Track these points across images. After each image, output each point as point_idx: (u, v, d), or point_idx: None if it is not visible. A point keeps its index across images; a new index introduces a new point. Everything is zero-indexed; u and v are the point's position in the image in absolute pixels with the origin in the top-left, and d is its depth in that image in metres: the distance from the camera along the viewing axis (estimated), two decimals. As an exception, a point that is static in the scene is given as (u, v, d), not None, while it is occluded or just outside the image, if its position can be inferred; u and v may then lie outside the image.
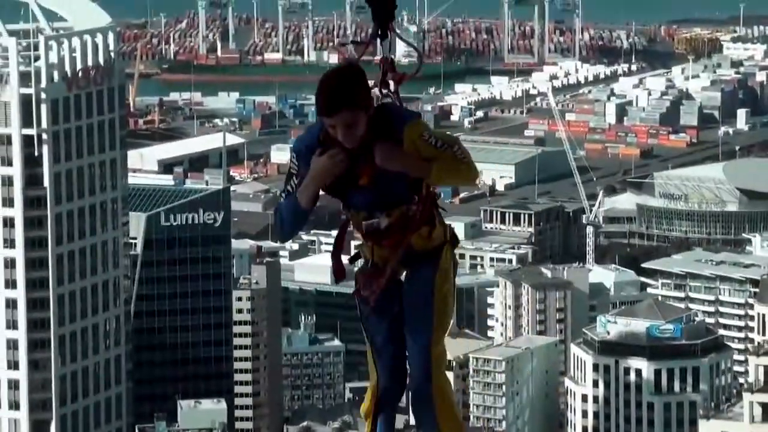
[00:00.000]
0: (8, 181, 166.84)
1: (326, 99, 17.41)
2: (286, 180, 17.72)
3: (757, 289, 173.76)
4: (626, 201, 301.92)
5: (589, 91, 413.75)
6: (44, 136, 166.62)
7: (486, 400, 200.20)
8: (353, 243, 14.31)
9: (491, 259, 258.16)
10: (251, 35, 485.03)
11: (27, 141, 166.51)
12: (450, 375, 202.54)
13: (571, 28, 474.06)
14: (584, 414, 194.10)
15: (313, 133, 17.50)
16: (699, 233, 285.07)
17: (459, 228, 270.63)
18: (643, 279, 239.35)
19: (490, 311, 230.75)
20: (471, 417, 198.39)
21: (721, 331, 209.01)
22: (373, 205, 15.62)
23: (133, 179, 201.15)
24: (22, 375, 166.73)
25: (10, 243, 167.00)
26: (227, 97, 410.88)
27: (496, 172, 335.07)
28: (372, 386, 18.06)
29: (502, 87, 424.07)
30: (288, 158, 17.46)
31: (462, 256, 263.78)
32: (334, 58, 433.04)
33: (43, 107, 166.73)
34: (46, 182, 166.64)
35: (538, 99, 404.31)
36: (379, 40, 18.34)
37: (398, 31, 18.53)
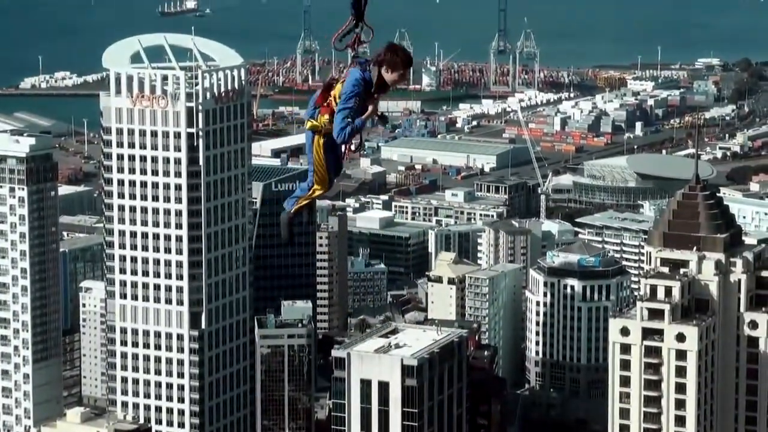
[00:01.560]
0: (178, 161, 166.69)
1: (410, 58, 21.02)
2: (352, 98, 21.10)
3: (645, 236, 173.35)
4: (566, 179, 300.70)
5: (544, 110, 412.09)
6: (200, 133, 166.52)
7: (476, 303, 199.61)
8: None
9: (480, 215, 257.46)
10: (331, 71, 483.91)
11: (189, 136, 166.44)
12: (453, 288, 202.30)
13: (533, 70, 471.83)
14: (537, 314, 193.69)
15: (367, 75, 21.11)
16: (611, 201, 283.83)
17: (460, 195, 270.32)
18: (576, 229, 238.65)
19: (479, 248, 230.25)
20: (466, 315, 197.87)
21: (624, 263, 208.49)
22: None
23: (254, 161, 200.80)
24: (184, 283, 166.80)
25: (178, 200, 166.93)
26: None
27: (484, 160, 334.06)
28: (322, 187, 22.79)
29: (488, 106, 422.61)
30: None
31: (462, 212, 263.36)
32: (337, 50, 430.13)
33: (200, 115, 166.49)
34: (201, 162, 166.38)
35: (511, 114, 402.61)
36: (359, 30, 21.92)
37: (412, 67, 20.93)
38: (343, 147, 22.46)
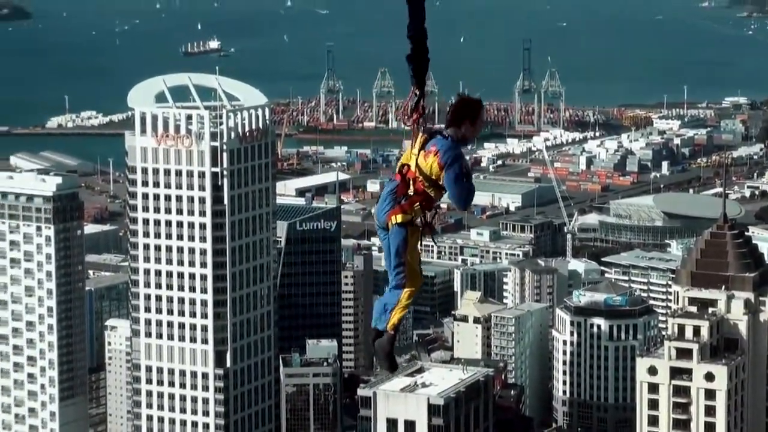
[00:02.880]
0: (202, 200, 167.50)
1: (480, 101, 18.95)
2: (466, 169, 18.94)
3: (673, 275, 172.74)
4: (592, 218, 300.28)
5: (569, 149, 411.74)
6: (225, 172, 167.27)
7: (502, 342, 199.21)
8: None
9: (506, 254, 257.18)
10: (355, 110, 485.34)
11: (214, 175, 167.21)
12: (479, 327, 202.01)
13: (558, 109, 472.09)
14: (564, 353, 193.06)
15: (454, 141, 18.73)
16: (638, 240, 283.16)
17: (485, 234, 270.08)
18: (602, 268, 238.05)
19: (505, 287, 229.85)
20: (492, 354, 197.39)
21: (651, 302, 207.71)
22: None
23: (279, 200, 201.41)
24: (209, 322, 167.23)
25: (202, 238, 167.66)
26: (339, 149, 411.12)
27: (509, 199, 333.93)
28: (416, 287, 19.40)
29: (514, 145, 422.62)
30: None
31: (487, 251, 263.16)
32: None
33: (225, 154, 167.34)
34: (226, 201, 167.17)
35: (536, 153, 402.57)
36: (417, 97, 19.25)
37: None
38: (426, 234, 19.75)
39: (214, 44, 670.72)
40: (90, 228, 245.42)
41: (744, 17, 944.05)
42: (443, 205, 20.97)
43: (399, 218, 19.08)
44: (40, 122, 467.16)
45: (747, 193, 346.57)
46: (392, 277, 19.55)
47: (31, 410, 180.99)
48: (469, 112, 19.28)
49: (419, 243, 19.50)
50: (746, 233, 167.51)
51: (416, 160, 19.07)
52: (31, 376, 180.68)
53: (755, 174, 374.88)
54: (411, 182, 19.13)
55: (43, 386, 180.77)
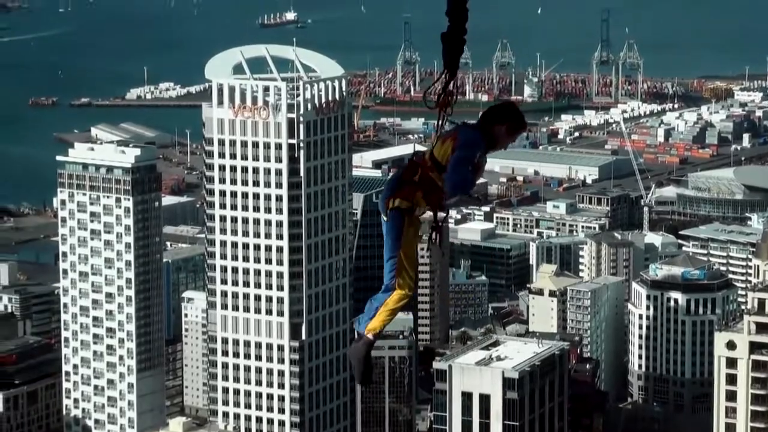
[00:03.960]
0: (279, 172, 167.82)
1: (526, 123, 17.01)
2: (472, 157, 16.49)
3: (753, 249, 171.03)
4: (670, 191, 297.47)
5: (647, 121, 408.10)
6: (301, 144, 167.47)
7: (577, 317, 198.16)
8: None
9: (582, 227, 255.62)
10: (439, 82, 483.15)
11: (290, 147, 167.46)
12: (554, 300, 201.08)
13: (636, 80, 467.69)
14: (640, 327, 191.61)
15: (479, 135, 16.79)
16: (717, 213, 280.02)
17: (562, 207, 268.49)
18: (680, 241, 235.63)
19: (581, 260, 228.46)
20: (567, 327, 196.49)
21: (731, 276, 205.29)
22: None
23: (355, 172, 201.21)
24: (285, 294, 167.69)
25: (279, 210, 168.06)
26: (416, 121, 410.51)
27: (586, 171, 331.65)
28: (407, 289, 16.87)
29: (591, 117, 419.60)
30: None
31: (563, 224, 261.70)
32: (485, 98, 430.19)
33: (301, 126, 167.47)
34: (302, 173, 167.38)
35: (614, 125, 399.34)
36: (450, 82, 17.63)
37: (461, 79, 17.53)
38: (435, 237, 17.48)
39: (290, 15, 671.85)
40: (167, 200, 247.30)
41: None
42: (519, 178, 19.26)
43: (397, 202, 17.01)
44: (120, 94, 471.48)
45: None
46: (385, 275, 17.41)
47: (110, 382, 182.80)
48: (515, 122, 17.19)
49: (417, 239, 17.32)
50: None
51: (432, 147, 17.12)
52: (110, 347, 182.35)
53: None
54: (420, 169, 17.03)
55: (121, 358, 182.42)
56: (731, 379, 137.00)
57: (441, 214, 17.33)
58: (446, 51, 17.64)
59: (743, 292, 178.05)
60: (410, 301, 17.36)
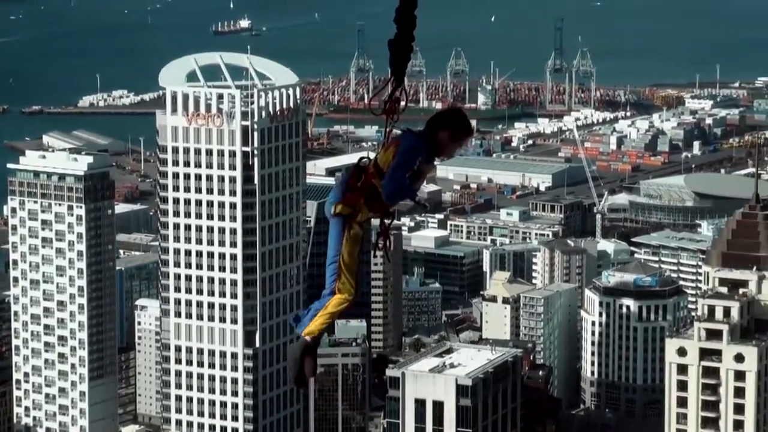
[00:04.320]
0: (233, 179, 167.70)
1: (472, 128, 17.18)
2: (413, 155, 16.63)
3: (703, 256, 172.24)
4: (622, 199, 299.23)
5: (600, 129, 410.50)
6: (255, 151, 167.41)
7: (530, 323, 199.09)
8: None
9: (535, 234, 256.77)
10: (386, 90, 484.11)
11: (244, 154, 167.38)
12: (507, 307, 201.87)
13: (588, 88, 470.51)
14: (593, 334, 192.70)
15: (421, 142, 17.09)
16: (668, 220, 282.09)
17: (515, 214, 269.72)
18: (632, 248, 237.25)
19: (534, 267, 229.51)
20: (520, 334, 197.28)
21: (681, 282, 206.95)
22: None
23: (309, 180, 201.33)
24: (239, 301, 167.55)
25: (232, 218, 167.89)
26: (370, 128, 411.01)
27: (539, 179, 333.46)
28: (348, 294, 17.03)
29: (544, 125, 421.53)
30: None
31: (517, 231, 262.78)
32: (439, 105, 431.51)
33: (255, 134, 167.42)
34: (256, 180, 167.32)
35: (567, 133, 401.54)
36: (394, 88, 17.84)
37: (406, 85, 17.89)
38: (381, 246, 17.80)
39: (244, 23, 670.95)
40: (121, 207, 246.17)
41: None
42: (473, 185, 19.69)
43: (338, 209, 17.07)
44: (72, 101, 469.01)
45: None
46: (326, 279, 17.49)
47: (62, 390, 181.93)
48: (458, 128, 17.40)
49: (359, 244, 17.36)
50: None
51: (377, 154, 17.29)
52: (61, 355, 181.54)
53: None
54: (364, 176, 17.21)
55: (73, 366, 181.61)
56: (682, 386, 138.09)
57: (387, 220, 17.56)
58: (393, 58, 17.87)
59: (693, 299, 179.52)
60: (351, 307, 17.31)
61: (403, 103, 17.93)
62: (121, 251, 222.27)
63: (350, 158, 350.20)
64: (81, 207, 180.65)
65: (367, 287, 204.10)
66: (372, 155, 17.47)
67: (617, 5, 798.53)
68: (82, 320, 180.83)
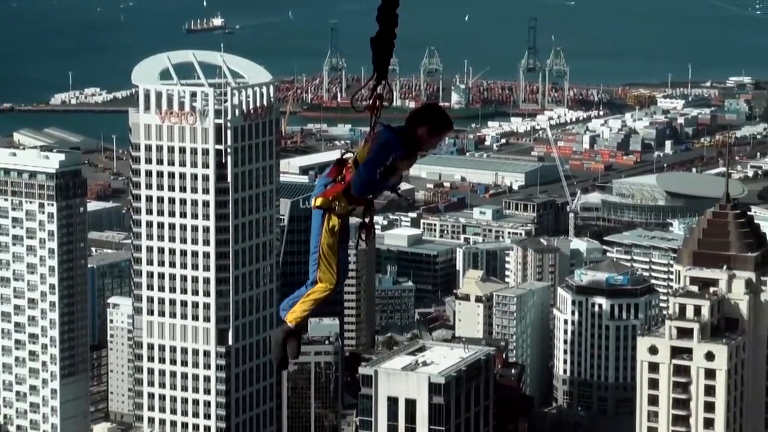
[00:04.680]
0: (206, 177, 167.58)
1: (452, 122, 17.89)
2: (385, 151, 17.25)
3: (675, 255, 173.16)
4: (595, 198, 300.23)
5: (573, 128, 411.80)
6: (228, 149, 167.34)
7: (503, 321, 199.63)
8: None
9: (508, 233, 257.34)
10: (369, 86, 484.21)
11: (218, 153, 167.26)
12: (480, 306, 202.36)
13: (562, 88, 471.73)
14: (565, 332, 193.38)
15: (397, 138, 17.64)
16: (640, 219, 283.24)
17: (488, 213, 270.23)
18: (604, 247, 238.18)
19: (507, 266, 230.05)
20: (493, 333, 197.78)
21: (653, 281, 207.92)
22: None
23: (282, 178, 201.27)
24: (212, 299, 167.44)
25: (206, 216, 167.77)
26: (343, 127, 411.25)
27: (513, 178, 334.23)
28: (328, 283, 18.30)
29: (517, 124, 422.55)
30: None
31: (490, 230, 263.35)
32: (412, 104, 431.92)
33: (229, 132, 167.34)
34: (229, 178, 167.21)
35: (540, 132, 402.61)
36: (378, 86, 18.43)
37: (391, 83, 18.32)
38: (362, 234, 18.47)
39: (217, 21, 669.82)
40: (93, 205, 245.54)
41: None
42: (446, 184, 20.35)
43: (318, 202, 17.92)
44: (43, 99, 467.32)
45: (750, 172, 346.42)
46: (309, 269, 18.55)
47: (33, 388, 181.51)
48: (436, 123, 17.86)
49: (337, 236, 18.15)
50: (748, 213, 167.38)
51: (358, 150, 17.94)
52: (32, 353, 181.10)
53: (758, 154, 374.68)
54: (344, 170, 17.90)
55: (44, 364, 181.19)
56: (653, 384, 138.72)
57: (368, 214, 18.15)
58: (375, 55, 18.34)
59: (665, 298, 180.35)
60: (333, 295, 18.61)
61: (387, 102, 18.59)
62: (94, 249, 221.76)
63: (324, 157, 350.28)
64: (52, 205, 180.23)
65: (339, 286, 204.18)
66: (346, 154, 18.05)
67: (590, 5, 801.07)
68: (53, 318, 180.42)
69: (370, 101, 18.53)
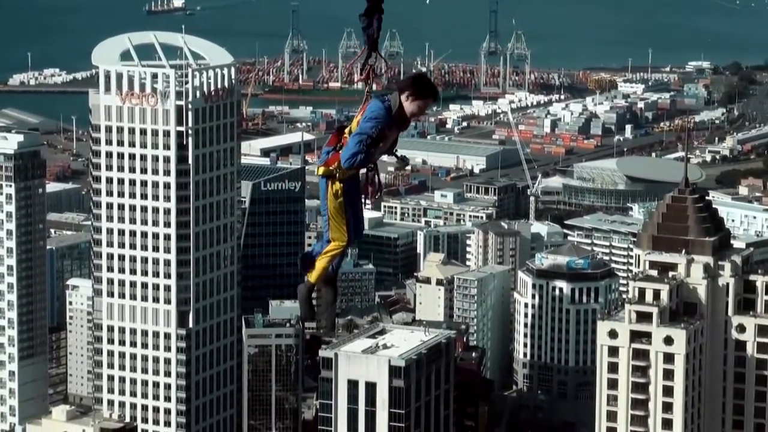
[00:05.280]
0: (167, 159, 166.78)
1: (436, 90, 19.13)
2: (371, 124, 19.05)
3: (634, 239, 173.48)
4: (555, 181, 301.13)
5: (534, 112, 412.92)
6: (190, 131, 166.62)
7: (464, 305, 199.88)
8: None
9: (469, 216, 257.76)
10: (321, 70, 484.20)
11: (179, 134, 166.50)
12: (441, 289, 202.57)
13: (523, 71, 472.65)
14: (525, 316, 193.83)
15: (386, 105, 19.13)
16: (600, 203, 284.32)
17: (449, 196, 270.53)
18: (565, 231, 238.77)
19: (468, 249, 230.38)
20: (454, 316, 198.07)
21: (613, 265, 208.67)
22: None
23: (243, 160, 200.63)
24: (172, 282, 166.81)
25: (166, 198, 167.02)
26: (305, 109, 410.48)
27: (474, 161, 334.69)
28: (340, 240, 19.71)
29: (479, 107, 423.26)
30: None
31: (451, 213, 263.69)
32: (373, 87, 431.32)
33: (190, 113, 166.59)
34: (190, 160, 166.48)
35: (501, 115, 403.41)
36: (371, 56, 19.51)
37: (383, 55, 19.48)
38: (365, 193, 20.16)
39: (178, 2, 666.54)
40: (52, 186, 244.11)
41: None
42: (407, 167, 21.62)
43: (320, 171, 19.81)
44: (1, 80, 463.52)
45: (708, 157, 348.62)
46: (323, 230, 20.39)
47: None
48: (418, 90, 19.27)
49: (340, 196, 19.80)
50: (707, 198, 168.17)
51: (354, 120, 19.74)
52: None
53: (716, 139, 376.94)
54: (342, 139, 19.66)
55: (2, 345, 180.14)
56: (613, 368, 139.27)
57: (371, 172, 19.76)
58: (366, 29, 19.99)
59: (625, 282, 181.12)
60: (347, 249, 20.65)
61: (384, 69, 19.86)
62: (53, 230, 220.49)
63: (285, 139, 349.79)
64: (11, 186, 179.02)
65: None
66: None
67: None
68: (11, 299, 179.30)
69: (364, 73, 20.11)
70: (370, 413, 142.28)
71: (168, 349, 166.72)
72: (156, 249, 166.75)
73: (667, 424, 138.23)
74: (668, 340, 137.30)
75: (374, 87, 20.03)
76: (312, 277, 20.70)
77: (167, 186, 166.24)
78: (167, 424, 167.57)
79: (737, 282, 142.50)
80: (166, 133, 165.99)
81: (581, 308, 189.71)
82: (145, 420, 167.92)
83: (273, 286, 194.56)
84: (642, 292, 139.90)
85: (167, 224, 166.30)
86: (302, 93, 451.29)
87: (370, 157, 19.29)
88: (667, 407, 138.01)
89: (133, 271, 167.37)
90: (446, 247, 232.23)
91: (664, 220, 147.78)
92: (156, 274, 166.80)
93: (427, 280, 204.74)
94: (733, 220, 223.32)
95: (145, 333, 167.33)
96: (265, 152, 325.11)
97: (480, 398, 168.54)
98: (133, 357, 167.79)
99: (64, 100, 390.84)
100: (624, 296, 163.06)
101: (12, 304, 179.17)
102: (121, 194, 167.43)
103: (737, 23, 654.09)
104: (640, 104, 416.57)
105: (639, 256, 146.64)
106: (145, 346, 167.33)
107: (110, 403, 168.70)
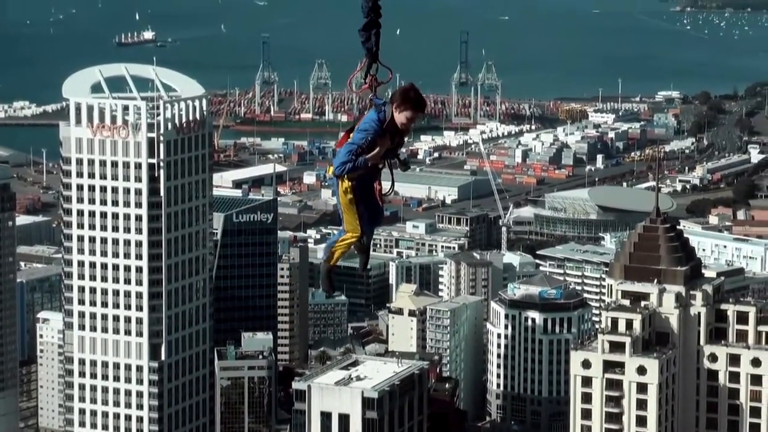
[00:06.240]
0: (138, 191, 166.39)
1: (421, 101, 20.29)
2: (362, 135, 20.87)
3: (607, 269, 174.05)
4: (527, 211, 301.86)
5: (505, 142, 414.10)
6: (161, 163, 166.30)
7: (436, 335, 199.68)
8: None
9: (441, 247, 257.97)
10: (292, 102, 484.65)
11: (150, 166, 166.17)
12: (414, 320, 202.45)
13: (494, 102, 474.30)
14: (498, 346, 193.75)
15: (382, 115, 20.14)
16: (572, 232, 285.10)
17: (421, 227, 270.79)
18: (537, 261, 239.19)
19: (440, 280, 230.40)
20: (426, 347, 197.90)
21: (585, 295, 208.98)
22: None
23: (216, 192, 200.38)
24: (144, 314, 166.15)
25: (138, 230, 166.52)
26: (276, 141, 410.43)
27: (445, 192, 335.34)
28: (353, 232, 21.94)
29: (450, 138, 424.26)
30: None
31: (423, 244, 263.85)
32: (344, 118, 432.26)
33: (161, 145, 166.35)
34: (162, 192, 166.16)
35: (472, 146, 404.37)
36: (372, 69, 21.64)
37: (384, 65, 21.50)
38: (377, 192, 22.39)
39: (148, 35, 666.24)
40: (22, 219, 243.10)
41: (677, 11, 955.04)
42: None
43: (330, 171, 21.85)
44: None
45: (678, 186, 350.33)
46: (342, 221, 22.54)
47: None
48: (402, 101, 20.99)
49: (349, 193, 21.85)
50: (678, 227, 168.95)
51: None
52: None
53: (686, 168, 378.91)
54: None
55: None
56: (586, 398, 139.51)
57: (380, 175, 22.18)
58: (366, 41, 20.95)
59: (597, 311, 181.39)
60: (359, 241, 22.81)
61: (389, 75, 22.21)
62: (23, 263, 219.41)
63: (257, 170, 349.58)
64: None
65: (272, 300, 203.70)
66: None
67: (522, 20, 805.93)
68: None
69: (367, 82, 21.73)
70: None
71: (140, 382, 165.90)
72: (128, 281, 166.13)
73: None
74: (641, 370, 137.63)
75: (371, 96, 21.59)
76: (332, 262, 23.02)
77: (139, 218, 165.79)
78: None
79: (709, 311, 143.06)
80: (138, 166, 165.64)
81: (554, 338, 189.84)
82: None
83: (245, 318, 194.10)
84: (615, 321, 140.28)
85: (139, 257, 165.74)
86: (274, 124, 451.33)
87: (360, 165, 21.17)
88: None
89: (104, 304, 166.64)
90: (418, 277, 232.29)
91: (636, 249, 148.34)
92: (128, 307, 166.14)
93: (400, 311, 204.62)
94: (704, 250, 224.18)
95: (117, 366, 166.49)
96: (237, 184, 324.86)
97: (453, 429, 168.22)
98: (105, 390, 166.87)
99: (33, 132, 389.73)
100: (597, 326, 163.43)
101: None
102: (92, 227, 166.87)
103: (706, 53, 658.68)
104: (611, 134, 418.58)
105: (611, 285, 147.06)
106: (117, 379, 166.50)
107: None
